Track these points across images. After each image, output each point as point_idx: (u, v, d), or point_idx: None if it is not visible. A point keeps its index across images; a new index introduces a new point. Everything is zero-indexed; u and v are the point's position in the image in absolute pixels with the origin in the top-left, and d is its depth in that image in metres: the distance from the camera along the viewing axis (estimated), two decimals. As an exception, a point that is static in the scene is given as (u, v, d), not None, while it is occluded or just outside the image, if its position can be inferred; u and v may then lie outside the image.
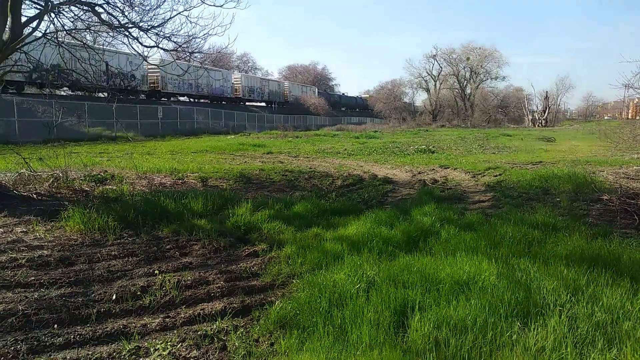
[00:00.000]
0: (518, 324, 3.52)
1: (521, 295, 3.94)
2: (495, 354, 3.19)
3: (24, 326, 3.71)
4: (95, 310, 4.07)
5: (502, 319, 3.58)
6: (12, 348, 3.35)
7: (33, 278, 4.65)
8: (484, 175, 13.57)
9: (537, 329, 3.41)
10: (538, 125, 74.63)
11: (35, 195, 7.90)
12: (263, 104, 63.50)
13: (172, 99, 46.25)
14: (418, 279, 4.35)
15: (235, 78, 57.95)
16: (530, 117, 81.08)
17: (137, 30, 8.86)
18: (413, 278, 4.38)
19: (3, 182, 8.20)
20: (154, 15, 8.96)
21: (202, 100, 52.08)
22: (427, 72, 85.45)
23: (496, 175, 13.24)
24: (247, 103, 60.06)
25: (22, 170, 8.83)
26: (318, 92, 77.06)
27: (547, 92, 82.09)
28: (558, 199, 9.53)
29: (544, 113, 79.69)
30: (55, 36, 8.52)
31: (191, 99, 50.97)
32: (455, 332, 3.41)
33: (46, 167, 9.89)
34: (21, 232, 6.16)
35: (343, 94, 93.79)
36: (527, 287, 4.14)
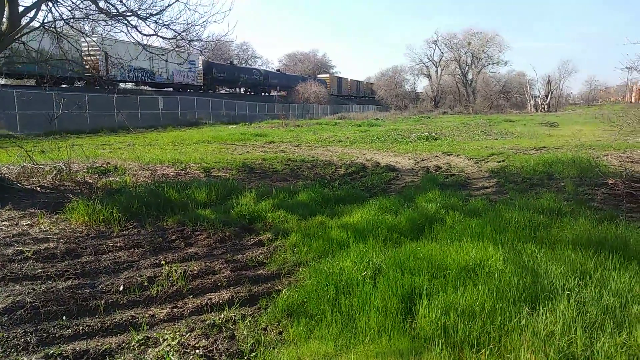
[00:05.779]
0: (526, 309, 3.51)
1: (529, 280, 3.93)
2: (504, 339, 3.18)
3: (33, 318, 3.71)
4: (103, 302, 4.08)
5: (510, 304, 3.57)
6: (22, 340, 3.36)
7: (40, 270, 4.65)
8: (488, 162, 13.52)
9: (546, 314, 3.40)
10: (541, 110, 74.34)
11: (39, 188, 7.90)
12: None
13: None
14: (424, 266, 4.34)
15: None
16: (532, 102, 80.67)
17: (135, 18, 8.76)
18: (419, 264, 4.37)
19: (6, 175, 8.19)
20: (152, 2, 8.86)
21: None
22: (428, 58, 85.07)
23: (500, 161, 13.19)
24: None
25: (24, 163, 8.82)
26: (315, 79, 76.37)
27: (549, 76, 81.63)
28: (562, 184, 9.49)
29: (547, 98, 79.28)
30: (53, 26, 8.44)
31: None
32: (463, 318, 3.40)
33: (49, 160, 9.87)
34: (26, 225, 6.16)
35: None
36: (534, 272, 4.13)
